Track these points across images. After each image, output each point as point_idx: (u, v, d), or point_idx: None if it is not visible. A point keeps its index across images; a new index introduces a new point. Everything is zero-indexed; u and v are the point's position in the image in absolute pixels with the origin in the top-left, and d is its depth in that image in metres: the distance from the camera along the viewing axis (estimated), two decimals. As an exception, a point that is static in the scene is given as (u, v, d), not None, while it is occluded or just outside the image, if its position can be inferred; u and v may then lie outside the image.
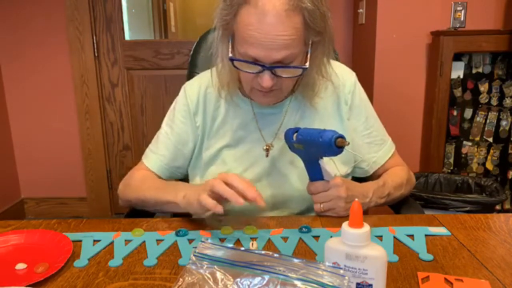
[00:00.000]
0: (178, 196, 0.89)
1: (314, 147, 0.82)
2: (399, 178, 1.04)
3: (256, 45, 0.83)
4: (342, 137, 0.79)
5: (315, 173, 0.89)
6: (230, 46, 0.89)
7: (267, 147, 1.01)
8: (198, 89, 1.05)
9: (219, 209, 0.78)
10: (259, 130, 1.02)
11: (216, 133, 1.03)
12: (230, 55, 0.88)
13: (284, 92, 0.95)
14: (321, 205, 0.90)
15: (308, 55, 0.88)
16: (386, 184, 1.00)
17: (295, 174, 1.00)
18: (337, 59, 1.22)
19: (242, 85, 0.96)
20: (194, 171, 1.07)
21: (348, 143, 0.80)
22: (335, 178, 0.90)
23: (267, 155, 1.01)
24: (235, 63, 0.88)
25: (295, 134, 0.87)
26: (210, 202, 0.79)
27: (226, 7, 0.86)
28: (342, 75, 1.05)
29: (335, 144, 0.79)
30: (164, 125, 1.09)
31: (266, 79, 0.86)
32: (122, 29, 2.62)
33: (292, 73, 0.88)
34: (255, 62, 0.85)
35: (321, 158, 0.87)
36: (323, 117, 1.03)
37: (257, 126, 1.02)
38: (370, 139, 1.06)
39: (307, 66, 0.87)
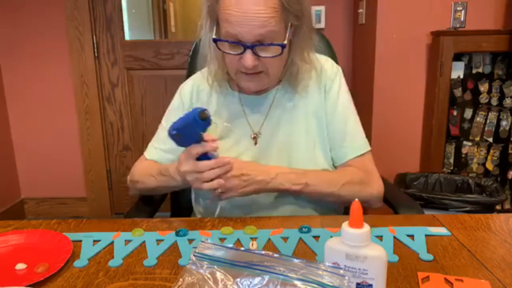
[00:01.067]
0: (177, 179, 0.97)
1: (188, 129, 0.86)
2: (340, 176, 1.00)
3: (236, 23, 0.87)
4: (204, 110, 0.83)
5: (202, 155, 0.90)
6: (214, 30, 0.94)
7: (255, 136, 1.04)
8: (192, 87, 1.11)
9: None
10: (247, 120, 1.05)
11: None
12: (214, 37, 0.93)
13: (270, 77, 0.98)
14: (218, 190, 0.91)
15: (287, 35, 0.92)
16: (308, 174, 0.97)
17: (285, 161, 1.02)
18: (335, 60, 1.23)
19: (229, 71, 1.00)
20: None
21: (209, 116, 0.84)
22: (224, 157, 0.91)
23: (255, 143, 1.04)
24: (219, 44, 0.93)
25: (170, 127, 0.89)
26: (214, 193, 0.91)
27: None
28: (325, 64, 1.08)
29: (199, 118, 0.82)
30: (163, 121, 1.15)
31: (249, 58, 0.90)
32: (122, 29, 2.62)
33: (272, 51, 0.91)
34: (236, 41, 0.89)
35: (201, 139, 0.89)
36: (306, 105, 1.05)
37: (245, 116, 1.06)
38: (343, 128, 1.04)
39: (285, 43, 0.91)
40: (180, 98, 1.12)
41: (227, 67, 1.00)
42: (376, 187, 1.02)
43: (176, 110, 1.11)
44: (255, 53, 0.90)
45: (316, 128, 1.04)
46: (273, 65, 0.95)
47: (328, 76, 1.06)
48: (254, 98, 1.06)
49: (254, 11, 0.86)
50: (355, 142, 1.05)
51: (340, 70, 1.09)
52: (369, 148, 1.06)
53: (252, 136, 1.05)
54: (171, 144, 1.08)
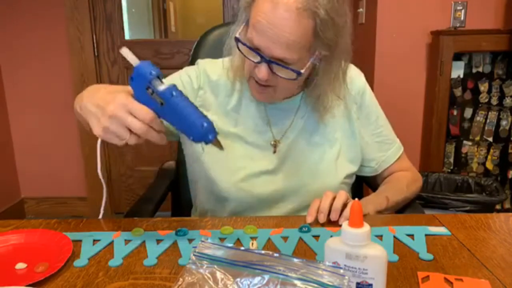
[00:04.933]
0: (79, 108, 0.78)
1: (179, 122, 0.72)
2: (399, 182, 1.06)
3: (261, 33, 0.84)
4: (216, 136, 0.73)
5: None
6: (241, 29, 0.91)
7: (275, 143, 1.01)
8: (218, 77, 1.03)
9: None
10: (269, 126, 1.02)
11: (227, 114, 1.02)
12: (237, 35, 0.90)
13: (277, 93, 0.95)
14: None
15: (308, 63, 0.88)
16: (383, 191, 1.01)
17: (301, 171, 1.00)
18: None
19: (244, 72, 0.97)
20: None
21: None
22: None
23: (274, 151, 1.01)
24: (239, 45, 0.89)
25: (158, 82, 0.71)
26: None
27: None
28: (351, 75, 1.05)
29: (209, 140, 0.72)
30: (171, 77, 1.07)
31: (262, 71, 0.87)
32: (122, 28, 2.63)
33: (287, 74, 0.88)
34: (256, 50, 0.86)
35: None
36: (332, 116, 1.03)
37: (268, 121, 1.02)
38: (380, 138, 1.08)
39: (302, 72, 0.87)
40: (196, 76, 1.03)
41: (245, 70, 0.96)
42: (420, 178, 1.12)
43: (185, 77, 1.03)
44: (270, 68, 0.87)
45: (343, 139, 1.03)
46: (283, 85, 0.92)
47: (357, 89, 1.05)
48: (278, 104, 1.01)
49: (282, 29, 0.81)
50: (393, 146, 1.10)
51: (363, 76, 1.09)
52: (402, 147, 1.12)
53: (272, 143, 1.02)
54: None
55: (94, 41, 2.60)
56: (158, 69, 0.71)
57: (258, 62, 0.87)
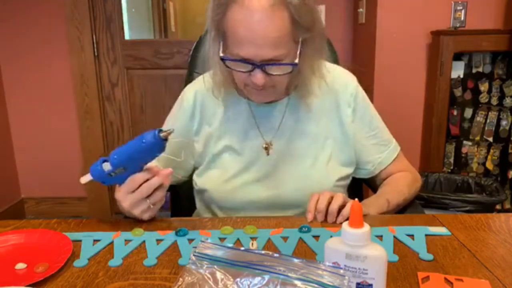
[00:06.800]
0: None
1: (139, 155, 0.82)
2: (399, 184, 1.05)
3: (246, 44, 0.83)
4: (161, 130, 0.81)
5: None
6: (221, 46, 0.90)
7: (267, 145, 1.01)
8: (195, 93, 1.06)
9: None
10: (258, 129, 1.02)
11: (216, 135, 1.03)
12: (221, 54, 0.89)
13: (278, 90, 0.95)
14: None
15: (298, 52, 0.88)
16: (384, 194, 1.01)
17: (296, 174, 1.00)
18: (336, 59, 1.22)
19: (237, 84, 0.96)
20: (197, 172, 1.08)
21: (172, 131, 0.81)
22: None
23: (267, 154, 1.01)
24: (227, 62, 0.89)
25: (106, 163, 0.84)
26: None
27: (215, 7, 0.87)
28: (342, 78, 1.04)
29: (161, 138, 0.80)
30: (164, 126, 1.10)
31: (258, 77, 0.87)
32: (122, 28, 2.62)
33: (283, 70, 0.88)
34: (245, 60, 0.86)
35: (145, 164, 0.85)
36: (320, 117, 1.03)
37: (256, 125, 1.02)
38: (376, 140, 1.06)
39: (297, 63, 0.87)
40: (182, 105, 1.06)
41: (235, 80, 0.95)
42: (419, 178, 1.11)
43: (178, 117, 1.07)
44: (264, 71, 0.86)
45: (334, 142, 1.02)
46: (282, 81, 0.92)
47: (349, 91, 1.03)
48: (265, 107, 1.01)
49: (263, 31, 0.82)
50: (389, 147, 1.08)
51: (356, 79, 1.07)
52: (399, 147, 1.11)
53: (264, 146, 1.01)
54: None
55: (94, 41, 2.60)
56: (99, 161, 0.85)
57: (251, 70, 0.87)
